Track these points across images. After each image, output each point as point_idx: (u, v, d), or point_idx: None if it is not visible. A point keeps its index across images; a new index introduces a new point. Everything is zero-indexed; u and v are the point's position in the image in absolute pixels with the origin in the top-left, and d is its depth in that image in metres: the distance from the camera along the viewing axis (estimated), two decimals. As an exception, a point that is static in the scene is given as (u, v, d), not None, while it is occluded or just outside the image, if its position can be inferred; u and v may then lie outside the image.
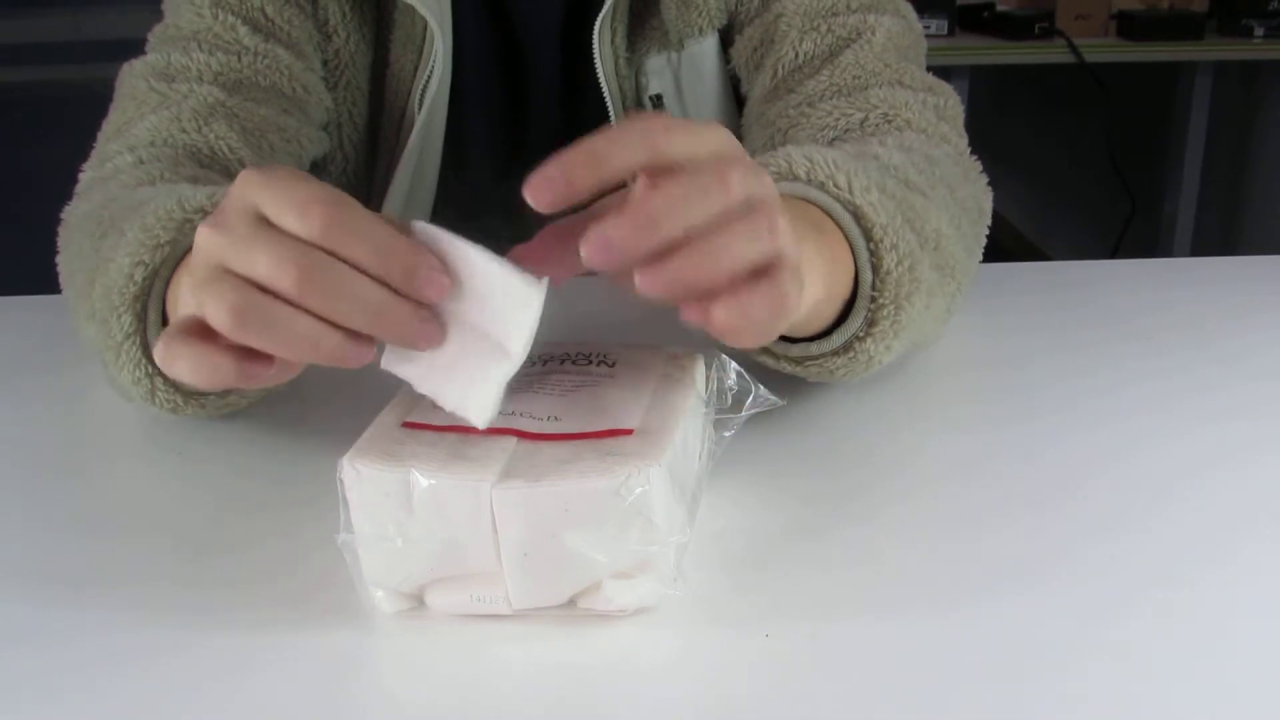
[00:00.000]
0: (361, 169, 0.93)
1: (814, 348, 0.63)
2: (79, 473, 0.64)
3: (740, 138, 0.89)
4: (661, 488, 0.46)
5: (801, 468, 0.61)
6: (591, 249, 0.43)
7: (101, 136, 0.80)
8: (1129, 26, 2.57)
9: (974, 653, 0.47)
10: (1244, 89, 2.75)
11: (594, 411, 0.50)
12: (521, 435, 0.49)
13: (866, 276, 0.61)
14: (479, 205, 0.98)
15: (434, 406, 0.51)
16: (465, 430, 0.49)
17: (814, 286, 0.56)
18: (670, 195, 0.44)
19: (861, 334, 0.62)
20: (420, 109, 0.87)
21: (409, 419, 0.50)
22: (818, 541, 0.54)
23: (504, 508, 0.46)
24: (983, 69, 2.66)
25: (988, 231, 0.77)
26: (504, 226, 0.98)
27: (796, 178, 0.63)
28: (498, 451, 0.48)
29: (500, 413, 0.49)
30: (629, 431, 0.49)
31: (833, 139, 0.78)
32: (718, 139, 0.47)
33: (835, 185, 0.62)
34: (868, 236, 0.61)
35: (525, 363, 0.48)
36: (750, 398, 0.55)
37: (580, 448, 0.48)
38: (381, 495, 0.46)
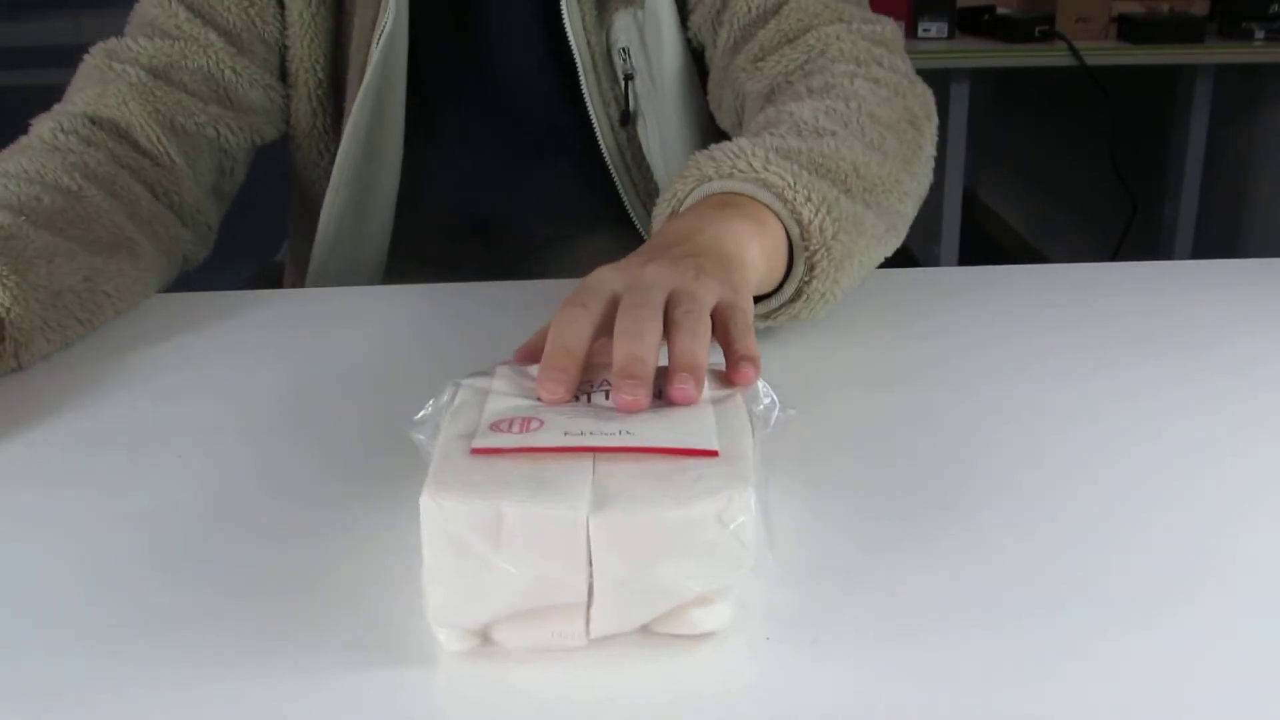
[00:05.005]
0: (330, 126, 1.04)
1: (773, 301, 0.73)
2: (102, 496, 0.62)
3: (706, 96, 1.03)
4: (756, 511, 0.45)
5: (801, 469, 0.61)
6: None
7: (66, 91, 0.95)
8: (1129, 29, 2.57)
9: (990, 660, 0.47)
10: (1245, 92, 2.75)
11: (664, 427, 0.49)
12: (598, 450, 0.47)
13: (795, 231, 0.71)
14: (449, 172, 1.08)
15: (492, 429, 0.49)
16: (534, 450, 0.47)
17: (756, 273, 0.67)
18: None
19: (807, 278, 0.72)
20: (376, 49, 0.97)
21: (476, 445, 0.48)
22: (817, 549, 0.54)
23: (602, 537, 0.44)
24: (983, 72, 2.66)
25: (936, 128, 0.88)
26: (475, 190, 1.09)
27: (709, 178, 0.72)
28: (580, 472, 0.46)
29: (566, 433, 0.48)
30: (714, 453, 0.47)
31: (778, 85, 0.90)
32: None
33: (739, 170, 0.72)
34: (781, 199, 0.70)
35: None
36: (774, 414, 0.55)
37: (664, 468, 0.46)
38: (467, 530, 0.44)
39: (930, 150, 0.86)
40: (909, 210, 0.82)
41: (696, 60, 1.03)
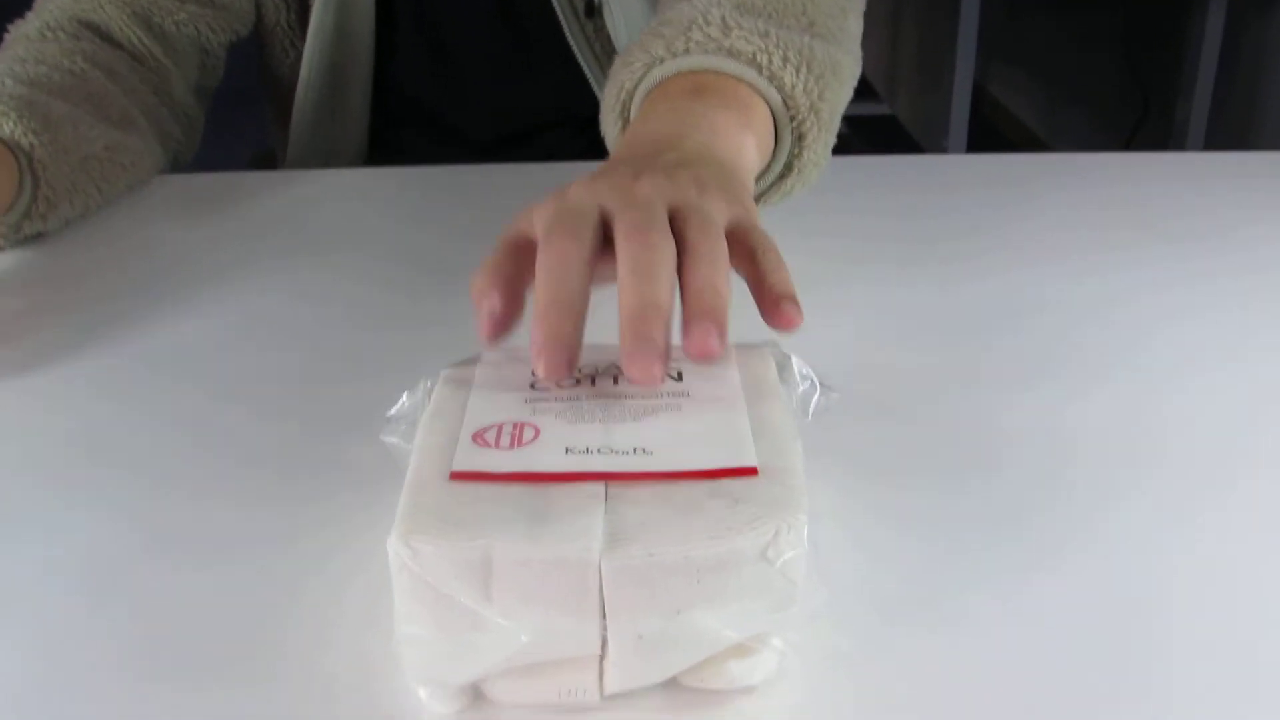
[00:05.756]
0: (295, 22, 1.03)
1: (761, 184, 0.63)
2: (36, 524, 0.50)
3: None
4: (808, 543, 0.38)
5: (833, 439, 0.49)
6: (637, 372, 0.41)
7: (35, 4, 0.92)
8: (1149, -82, 2.51)
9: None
10: (1264, -15, 2.69)
11: (691, 440, 0.41)
12: (609, 478, 0.39)
13: (776, 99, 0.61)
14: (419, 69, 1.06)
15: (476, 440, 0.41)
16: (534, 478, 0.39)
17: (751, 161, 0.58)
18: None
19: (797, 150, 0.63)
20: None
21: (457, 467, 0.40)
22: (871, 567, 0.46)
23: (619, 583, 0.36)
24: (998, -39, 2.59)
25: None
26: (446, 89, 1.07)
27: (659, 59, 0.62)
28: (588, 503, 0.38)
29: (568, 449, 0.40)
30: (753, 470, 0.39)
31: None
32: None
33: (695, 43, 0.62)
34: (755, 66, 0.61)
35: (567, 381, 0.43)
36: (814, 399, 0.47)
37: (695, 492, 0.38)
38: (449, 578, 0.36)
39: None
40: (860, 28, 0.73)
41: None
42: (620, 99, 0.64)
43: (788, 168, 0.64)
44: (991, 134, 3.92)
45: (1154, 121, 2.76)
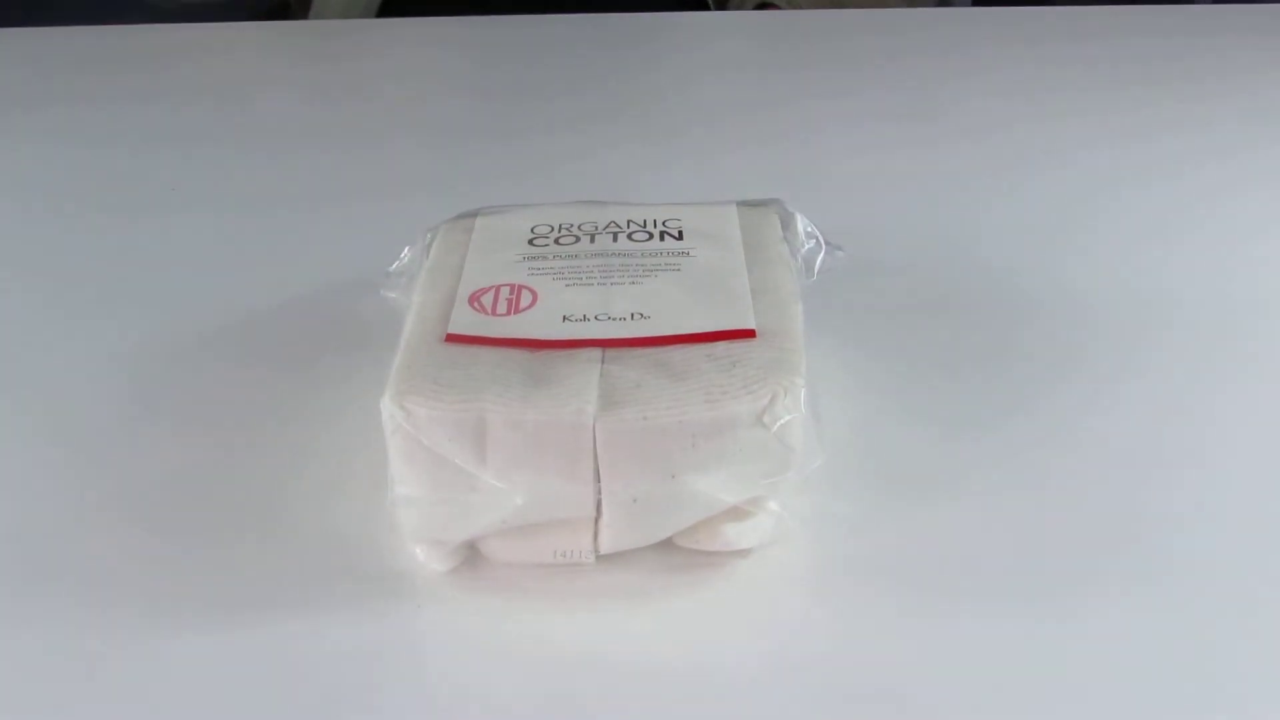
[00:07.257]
0: None
1: None
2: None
3: None
4: (806, 407, 0.37)
5: (832, 302, 0.49)
6: None
7: None
8: None
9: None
10: None
11: (689, 303, 0.40)
12: (605, 344, 0.39)
13: None
14: None
15: (472, 303, 0.41)
16: (530, 343, 0.39)
17: None
18: None
19: None
20: None
21: (453, 330, 0.39)
22: (871, 430, 0.45)
23: (613, 445, 0.36)
24: None
25: None
26: None
27: None
28: (584, 367, 0.37)
29: (565, 317, 0.40)
30: (750, 333, 0.39)
31: None
32: None
33: None
34: None
35: (563, 237, 0.43)
36: (819, 259, 0.46)
37: (691, 356, 0.38)
38: (443, 440, 0.36)
39: None
40: None
41: None
42: None
43: None
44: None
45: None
